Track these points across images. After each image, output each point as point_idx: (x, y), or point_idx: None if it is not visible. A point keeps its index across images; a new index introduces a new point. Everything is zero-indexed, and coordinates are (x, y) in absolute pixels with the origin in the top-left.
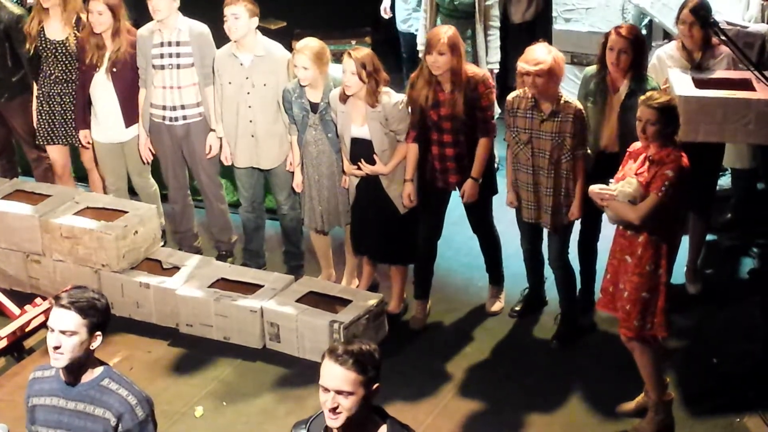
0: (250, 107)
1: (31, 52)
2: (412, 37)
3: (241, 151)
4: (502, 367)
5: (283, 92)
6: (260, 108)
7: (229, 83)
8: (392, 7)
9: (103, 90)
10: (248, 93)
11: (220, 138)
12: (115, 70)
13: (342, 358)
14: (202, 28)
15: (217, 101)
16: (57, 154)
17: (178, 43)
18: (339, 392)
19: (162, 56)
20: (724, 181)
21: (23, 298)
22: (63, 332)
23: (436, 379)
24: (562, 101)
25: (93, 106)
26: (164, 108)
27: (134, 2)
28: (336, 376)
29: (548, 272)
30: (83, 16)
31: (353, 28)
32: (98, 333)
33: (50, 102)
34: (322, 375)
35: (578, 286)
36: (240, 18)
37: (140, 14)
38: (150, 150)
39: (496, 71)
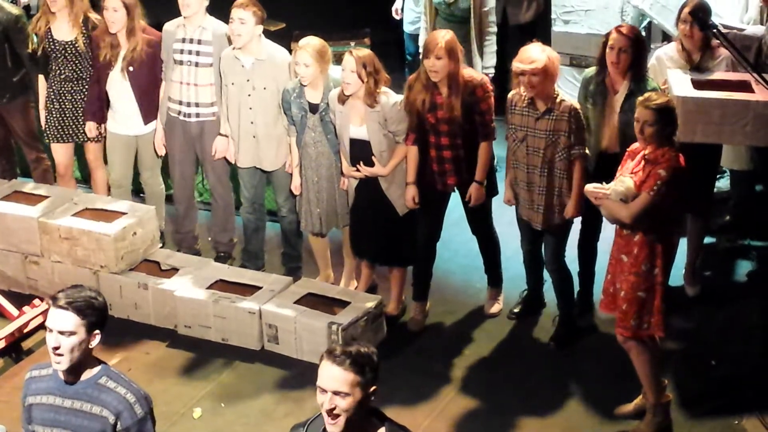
0: (251, 109)
1: (39, 51)
2: (417, 39)
3: (244, 152)
4: (500, 368)
5: (283, 92)
6: (260, 110)
7: (232, 84)
8: (402, 9)
9: (119, 88)
10: (249, 95)
11: (227, 138)
12: (131, 69)
13: (340, 358)
14: (227, 31)
15: (223, 102)
16: (61, 153)
17: (199, 42)
18: (336, 393)
19: (182, 52)
20: (723, 183)
21: (22, 300)
22: (61, 333)
23: (434, 381)
24: (557, 99)
25: (111, 102)
26: (180, 103)
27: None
28: (333, 376)
29: (547, 274)
30: (91, 16)
31: (352, 29)
32: (97, 332)
33: (61, 100)
34: (320, 376)
35: (577, 287)
36: (246, 23)
37: (148, 13)
38: (164, 145)
39: (491, 76)
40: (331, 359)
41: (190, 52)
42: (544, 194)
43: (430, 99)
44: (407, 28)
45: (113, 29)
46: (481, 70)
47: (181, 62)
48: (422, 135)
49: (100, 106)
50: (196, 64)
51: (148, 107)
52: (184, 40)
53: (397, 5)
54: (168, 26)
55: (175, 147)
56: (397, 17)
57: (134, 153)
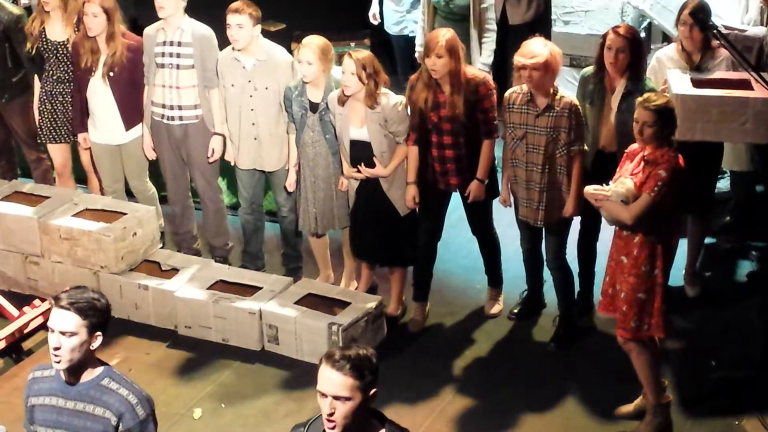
0: (253, 110)
1: (33, 52)
2: (404, 40)
3: (245, 153)
4: (500, 369)
5: (285, 90)
6: (262, 111)
7: (232, 86)
8: (381, 13)
9: (100, 94)
10: (251, 96)
11: (224, 139)
12: (111, 74)
13: (339, 363)
14: (206, 31)
15: (221, 103)
16: (58, 152)
17: (179, 44)
18: (336, 398)
19: (163, 55)
20: (723, 184)
21: (22, 300)
22: (63, 333)
23: (434, 381)
24: (557, 96)
25: (90, 109)
26: (163, 107)
27: (135, 1)
28: (333, 381)
29: (547, 274)
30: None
31: (352, 30)
32: (98, 333)
33: (52, 101)
34: (320, 380)
35: (577, 288)
36: (244, 27)
37: (140, 13)
38: (153, 149)
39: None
40: (330, 364)
41: (171, 55)
42: (545, 191)
43: (432, 98)
44: (391, 29)
45: (92, 33)
46: (479, 66)
47: (162, 65)
48: (424, 134)
49: (84, 117)
50: (177, 67)
51: (129, 113)
52: (164, 43)
53: (374, 10)
54: (148, 30)
55: (164, 150)
56: (375, 22)
57: (120, 160)
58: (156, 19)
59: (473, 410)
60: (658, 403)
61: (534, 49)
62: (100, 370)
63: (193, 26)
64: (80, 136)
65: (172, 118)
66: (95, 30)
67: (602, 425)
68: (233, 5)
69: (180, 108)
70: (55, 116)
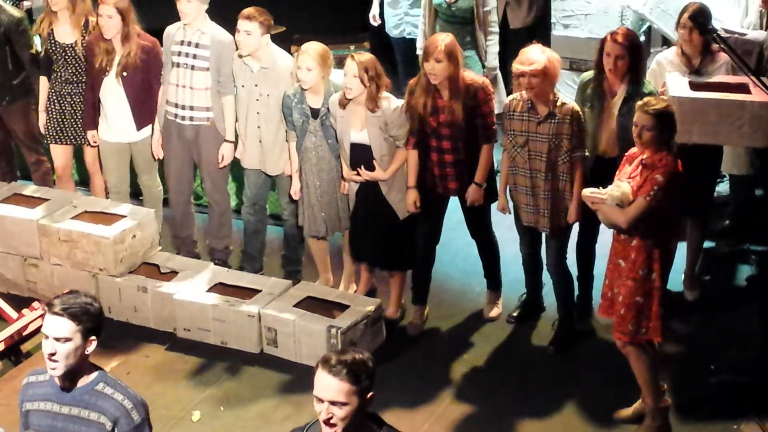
0: (258, 113)
1: (42, 53)
2: (404, 42)
3: (249, 154)
4: (499, 373)
5: (284, 97)
6: (265, 116)
7: (242, 86)
8: (381, 14)
9: (113, 94)
10: (257, 100)
11: (234, 144)
12: (125, 74)
13: (335, 368)
14: (224, 38)
15: (233, 109)
16: (60, 154)
17: (197, 45)
18: (333, 403)
19: (179, 54)
20: (723, 188)
21: (21, 302)
22: (57, 339)
23: (433, 385)
24: (558, 103)
25: (103, 108)
26: (176, 106)
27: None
28: (330, 387)
29: (546, 278)
30: (92, 19)
31: (352, 33)
32: (93, 338)
33: (60, 102)
34: (316, 386)
35: (576, 291)
36: (252, 34)
37: (143, 16)
38: (162, 148)
39: (493, 75)
40: (327, 369)
41: (186, 55)
42: (550, 198)
43: (431, 103)
44: (391, 32)
45: (108, 35)
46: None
47: (177, 64)
48: (423, 139)
49: (95, 115)
50: (192, 67)
51: (141, 113)
52: (182, 43)
53: (373, 11)
54: (169, 29)
55: (172, 151)
56: (375, 24)
57: (129, 158)
58: (158, 19)
59: (472, 414)
60: (657, 406)
61: (532, 56)
62: (94, 375)
63: (214, 31)
64: (89, 134)
65: (184, 118)
66: (110, 31)
67: (601, 429)
68: (246, 11)
69: (192, 108)
70: (63, 117)
